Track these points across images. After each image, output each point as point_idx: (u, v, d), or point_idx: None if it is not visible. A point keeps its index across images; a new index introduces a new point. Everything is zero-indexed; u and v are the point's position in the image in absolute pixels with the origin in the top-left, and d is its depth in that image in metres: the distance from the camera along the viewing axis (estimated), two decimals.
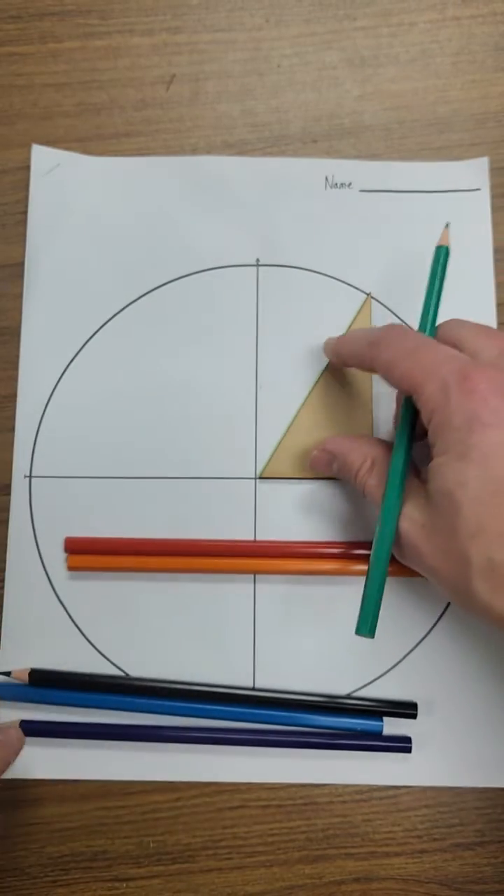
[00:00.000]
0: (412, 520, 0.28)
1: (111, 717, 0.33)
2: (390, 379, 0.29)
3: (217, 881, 0.33)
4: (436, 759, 0.33)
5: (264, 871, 0.33)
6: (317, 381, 0.35)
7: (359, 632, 0.29)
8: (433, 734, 0.33)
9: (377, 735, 0.33)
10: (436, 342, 0.29)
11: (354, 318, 0.36)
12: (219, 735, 0.33)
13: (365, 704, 0.33)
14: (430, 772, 0.33)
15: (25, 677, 0.33)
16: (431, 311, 0.31)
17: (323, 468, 0.33)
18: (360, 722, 0.33)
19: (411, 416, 0.30)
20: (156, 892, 0.33)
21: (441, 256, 0.32)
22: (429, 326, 0.31)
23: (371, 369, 0.30)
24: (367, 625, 0.28)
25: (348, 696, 0.33)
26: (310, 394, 0.35)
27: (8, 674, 0.33)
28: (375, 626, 0.28)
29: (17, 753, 0.32)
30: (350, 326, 0.36)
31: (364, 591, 0.29)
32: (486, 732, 0.33)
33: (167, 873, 0.33)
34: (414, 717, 0.33)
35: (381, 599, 0.29)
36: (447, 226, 0.33)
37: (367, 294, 0.36)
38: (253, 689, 0.33)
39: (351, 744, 0.33)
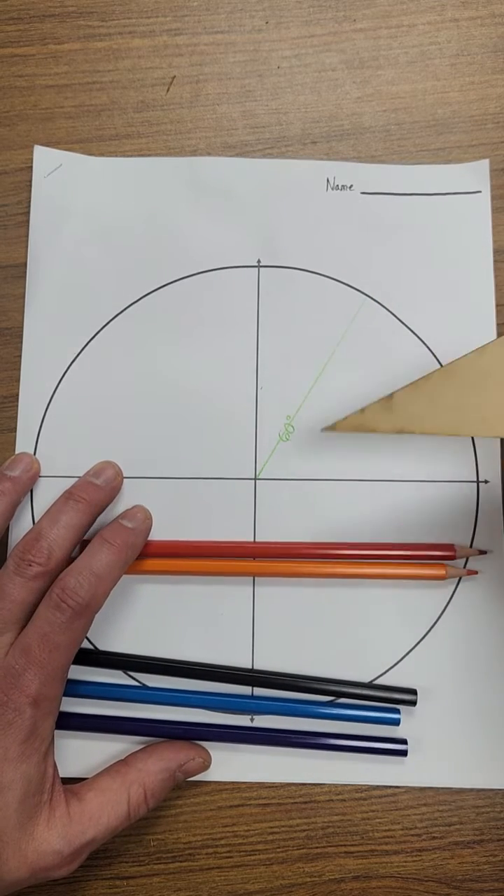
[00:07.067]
0: None
1: (111, 711, 0.34)
2: None
3: (217, 879, 0.33)
4: (435, 760, 0.33)
5: (264, 870, 0.33)
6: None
7: None
8: (432, 735, 0.33)
9: (390, 725, 0.33)
10: None
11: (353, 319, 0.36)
12: (219, 733, 0.33)
13: (367, 693, 0.33)
14: (429, 772, 0.33)
15: None
16: None
17: None
18: (376, 715, 0.33)
19: None
20: (156, 891, 0.33)
21: None
22: None
23: None
24: None
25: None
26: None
27: None
28: None
29: (147, 534, 0.34)
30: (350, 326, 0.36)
31: None
32: (485, 733, 0.33)
33: (167, 871, 0.33)
34: (413, 703, 0.33)
35: None
36: None
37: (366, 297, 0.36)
38: (253, 670, 0.34)
39: (348, 745, 0.33)
